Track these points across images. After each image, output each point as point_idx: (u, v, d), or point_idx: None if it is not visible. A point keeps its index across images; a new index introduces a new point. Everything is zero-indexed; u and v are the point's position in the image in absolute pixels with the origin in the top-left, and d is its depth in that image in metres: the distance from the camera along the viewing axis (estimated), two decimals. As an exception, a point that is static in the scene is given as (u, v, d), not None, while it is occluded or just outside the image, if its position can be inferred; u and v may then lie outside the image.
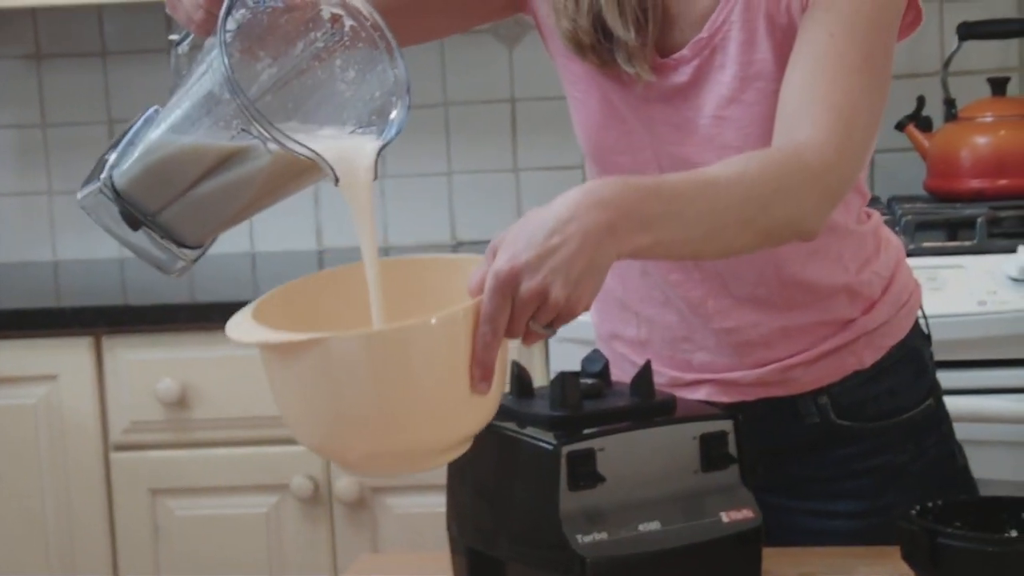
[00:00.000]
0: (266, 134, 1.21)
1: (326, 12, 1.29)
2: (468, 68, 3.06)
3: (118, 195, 1.37)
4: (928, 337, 1.67)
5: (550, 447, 1.29)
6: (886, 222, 2.31)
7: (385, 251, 3.06)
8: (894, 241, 1.66)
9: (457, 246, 3.09)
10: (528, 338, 1.19)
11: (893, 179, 2.91)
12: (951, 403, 1.69)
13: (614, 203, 1.19)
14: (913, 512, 1.32)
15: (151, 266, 1.41)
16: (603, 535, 1.29)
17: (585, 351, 1.46)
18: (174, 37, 1.36)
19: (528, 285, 1.16)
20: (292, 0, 1.29)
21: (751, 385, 1.59)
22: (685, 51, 1.51)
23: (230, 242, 3.11)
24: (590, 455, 1.30)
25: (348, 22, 1.29)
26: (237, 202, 1.35)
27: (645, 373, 1.38)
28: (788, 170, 1.33)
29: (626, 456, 1.32)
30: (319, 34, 1.30)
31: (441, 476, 1.41)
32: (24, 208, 3.18)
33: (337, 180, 1.24)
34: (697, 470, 1.35)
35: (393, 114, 1.28)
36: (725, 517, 1.34)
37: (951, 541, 1.28)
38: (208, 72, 1.26)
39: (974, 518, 1.34)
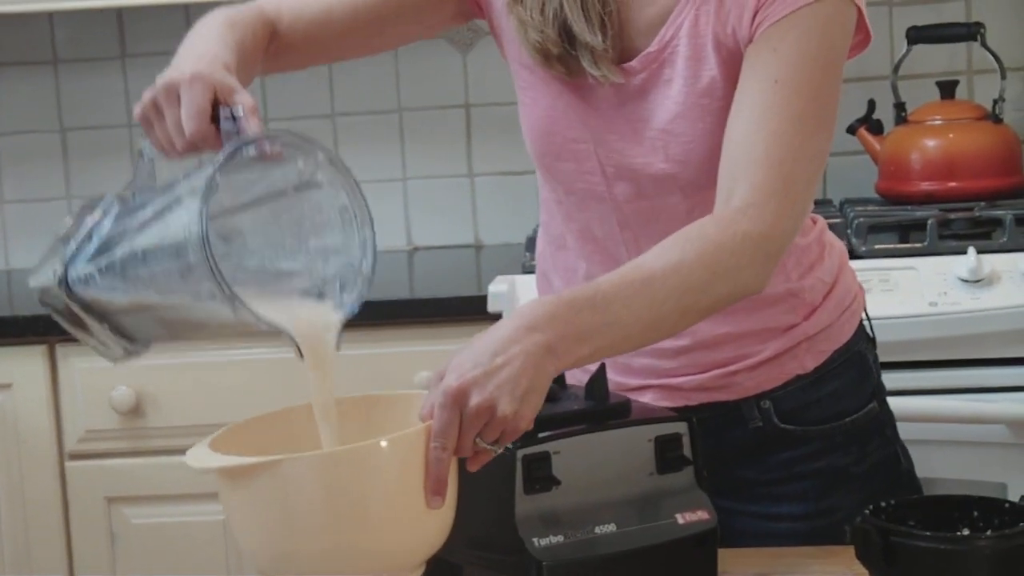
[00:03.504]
0: (239, 308, 1.22)
1: (301, 168, 1.29)
2: (422, 74, 3.06)
3: (71, 291, 1.36)
4: (872, 340, 1.69)
5: (506, 450, 1.30)
6: (838, 225, 2.32)
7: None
8: (837, 245, 1.67)
9: (413, 251, 3.09)
10: (475, 459, 1.23)
11: (845, 182, 2.92)
12: (903, 403, 1.71)
13: (550, 325, 1.24)
14: (866, 511, 1.33)
15: (94, 351, 1.41)
16: (559, 538, 1.30)
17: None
18: (144, 146, 1.35)
19: (476, 400, 1.20)
20: (269, 154, 1.28)
21: (694, 390, 1.60)
22: (634, 63, 1.52)
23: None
24: (545, 458, 1.31)
25: (322, 177, 1.30)
26: (196, 335, 1.36)
27: (599, 377, 1.38)
28: (726, 249, 1.35)
29: (581, 459, 1.33)
30: (289, 180, 1.30)
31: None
32: (-24, 217, 3.17)
33: (302, 356, 1.26)
34: (652, 472, 1.36)
35: (350, 297, 1.29)
36: (680, 519, 1.35)
37: (904, 540, 1.29)
38: (184, 227, 1.23)
39: (926, 517, 1.35)
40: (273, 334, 1.26)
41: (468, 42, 3.03)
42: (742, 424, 1.60)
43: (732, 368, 1.59)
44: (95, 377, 2.54)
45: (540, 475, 1.31)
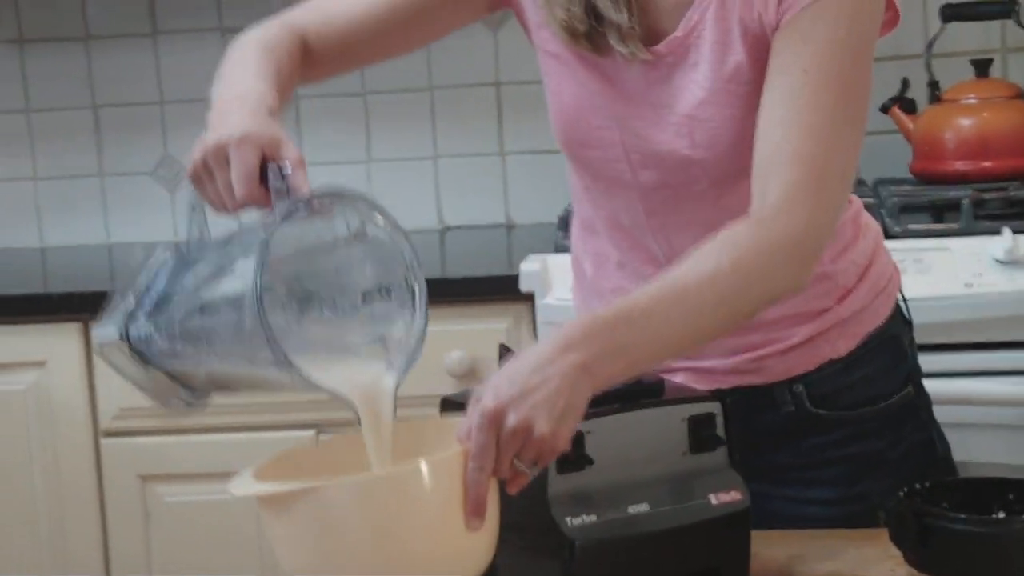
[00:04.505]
0: (296, 376, 1.23)
1: (350, 221, 1.30)
2: (453, 52, 3.05)
3: (132, 347, 1.38)
4: (909, 322, 1.67)
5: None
6: (871, 205, 2.30)
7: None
8: (873, 226, 1.66)
9: (444, 231, 3.09)
10: (513, 481, 1.23)
11: (878, 161, 2.90)
12: (937, 386, 1.69)
13: (585, 343, 1.25)
14: (900, 494, 1.33)
15: (152, 400, 1.43)
16: (592, 517, 1.30)
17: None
18: (194, 198, 1.37)
19: (513, 421, 1.20)
20: (317, 211, 1.30)
21: (725, 373, 1.59)
22: (661, 46, 1.51)
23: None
24: (579, 437, 1.30)
25: (371, 231, 1.31)
26: (253, 391, 1.39)
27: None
28: (762, 253, 1.35)
29: (614, 438, 1.33)
30: (339, 232, 1.31)
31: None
32: (9, 194, 3.18)
33: (360, 420, 1.27)
34: (685, 452, 1.36)
35: (402, 355, 1.29)
36: (714, 499, 1.35)
37: (939, 522, 1.29)
38: (238, 294, 1.24)
39: (961, 499, 1.35)
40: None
41: (499, 20, 3.02)
42: (774, 408, 1.60)
43: (761, 352, 1.59)
44: (129, 354, 2.55)
45: (573, 454, 1.31)
